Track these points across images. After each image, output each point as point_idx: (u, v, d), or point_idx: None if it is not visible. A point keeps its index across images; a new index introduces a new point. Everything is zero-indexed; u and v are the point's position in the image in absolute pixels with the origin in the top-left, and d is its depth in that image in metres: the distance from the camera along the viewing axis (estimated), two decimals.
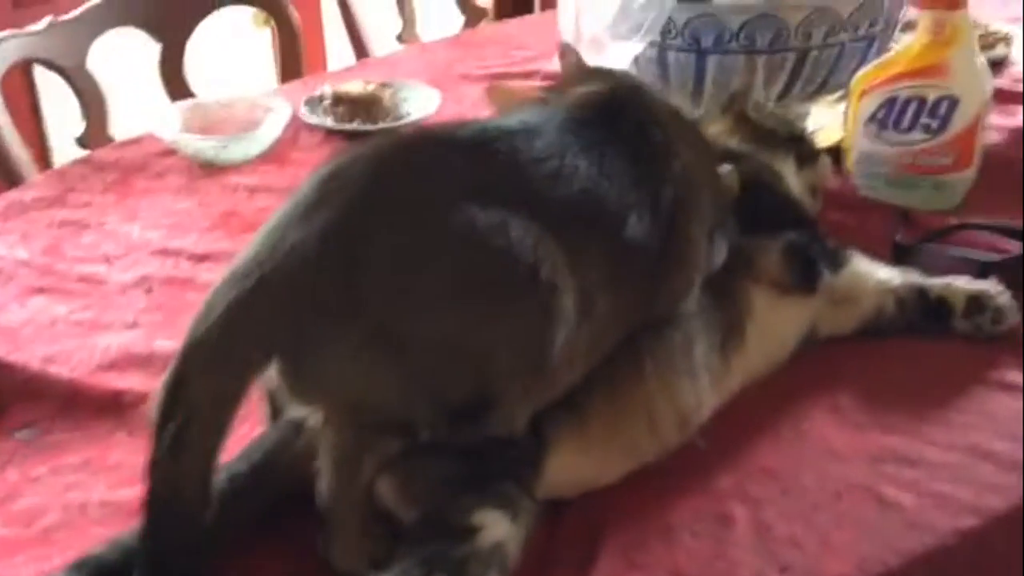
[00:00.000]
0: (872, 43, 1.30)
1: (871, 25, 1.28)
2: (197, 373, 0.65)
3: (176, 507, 0.66)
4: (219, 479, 0.76)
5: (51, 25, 1.52)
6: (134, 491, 0.74)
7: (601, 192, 0.75)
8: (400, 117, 1.46)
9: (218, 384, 0.65)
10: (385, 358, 0.66)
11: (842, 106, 1.28)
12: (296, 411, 0.71)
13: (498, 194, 0.70)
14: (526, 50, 1.79)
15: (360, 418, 0.69)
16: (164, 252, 1.16)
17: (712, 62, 1.28)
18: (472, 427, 0.70)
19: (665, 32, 1.27)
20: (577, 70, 0.96)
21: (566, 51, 1.02)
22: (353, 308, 0.65)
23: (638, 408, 0.81)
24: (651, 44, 1.26)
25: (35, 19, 2.17)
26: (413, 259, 0.67)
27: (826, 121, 1.31)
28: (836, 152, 1.21)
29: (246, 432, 0.77)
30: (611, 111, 0.83)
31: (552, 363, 0.70)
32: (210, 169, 1.35)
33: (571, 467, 0.78)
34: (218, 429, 0.65)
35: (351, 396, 0.68)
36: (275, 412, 0.78)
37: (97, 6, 1.57)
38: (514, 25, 2.08)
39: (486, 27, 2.04)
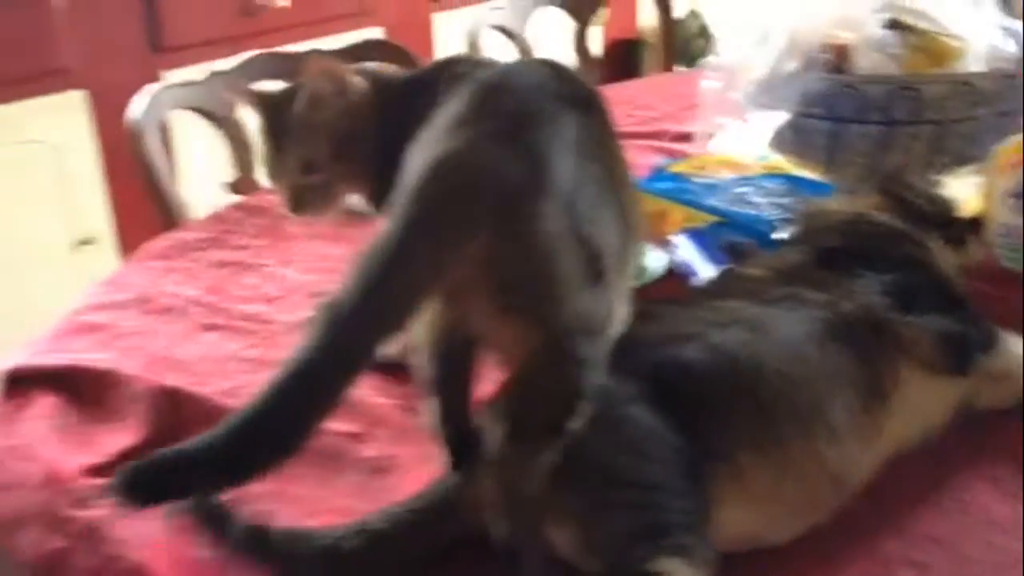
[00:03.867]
0: (1011, 117, 1.32)
1: (1011, 100, 1.30)
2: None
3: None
4: (398, 518, 0.81)
5: (211, 75, 1.60)
6: (316, 523, 0.79)
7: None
8: None
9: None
10: None
11: (975, 177, 1.29)
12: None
13: None
14: (649, 110, 1.84)
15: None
16: (322, 296, 1.21)
17: (850, 132, 1.32)
18: None
19: (805, 102, 1.31)
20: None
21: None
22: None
23: (790, 469, 0.84)
24: (792, 113, 1.30)
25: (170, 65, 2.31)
26: None
27: (961, 192, 1.32)
28: (974, 223, 1.22)
29: None
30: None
31: None
32: (358, 216, 1.40)
33: (737, 522, 0.80)
34: None
35: None
36: (456, 460, 0.83)
37: (253, 59, 1.65)
38: (633, 86, 2.13)
39: (606, 88, 2.08)
